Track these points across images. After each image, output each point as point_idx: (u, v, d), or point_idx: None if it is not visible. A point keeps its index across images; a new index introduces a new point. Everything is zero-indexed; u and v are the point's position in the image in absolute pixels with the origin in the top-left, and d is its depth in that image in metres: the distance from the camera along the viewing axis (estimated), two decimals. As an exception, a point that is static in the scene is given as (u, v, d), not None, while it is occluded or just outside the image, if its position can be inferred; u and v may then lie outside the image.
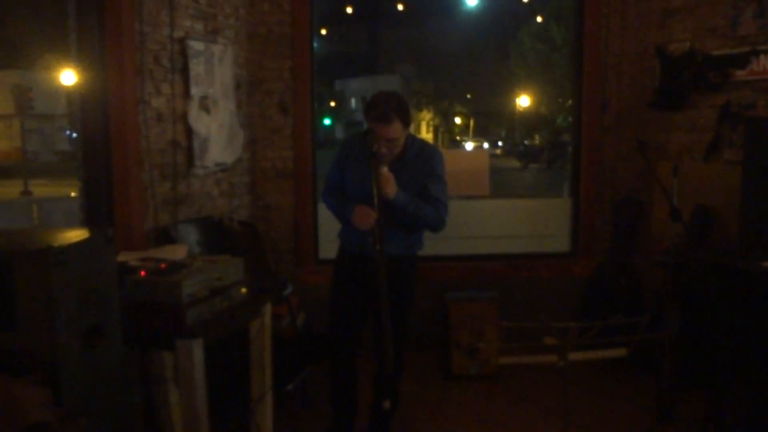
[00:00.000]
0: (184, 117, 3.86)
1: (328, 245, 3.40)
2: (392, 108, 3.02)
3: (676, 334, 3.74)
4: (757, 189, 3.68)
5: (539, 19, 30.57)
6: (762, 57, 4.00)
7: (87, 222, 3.41)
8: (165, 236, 3.57)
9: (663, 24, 4.58)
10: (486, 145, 32.97)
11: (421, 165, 3.16)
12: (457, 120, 42.31)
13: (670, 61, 4.50)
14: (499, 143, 37.44)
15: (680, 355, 3.82)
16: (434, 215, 3.12)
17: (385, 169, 2.96)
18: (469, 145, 33.91)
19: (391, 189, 2.95)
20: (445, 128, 42.82)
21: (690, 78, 4.39)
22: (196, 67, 3.92)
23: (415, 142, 3.23)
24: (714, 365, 3.48)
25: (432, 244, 4.63)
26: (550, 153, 28.02)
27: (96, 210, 3.41)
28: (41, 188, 17.61)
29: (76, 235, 1.95)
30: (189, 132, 3.89)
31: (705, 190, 4.30)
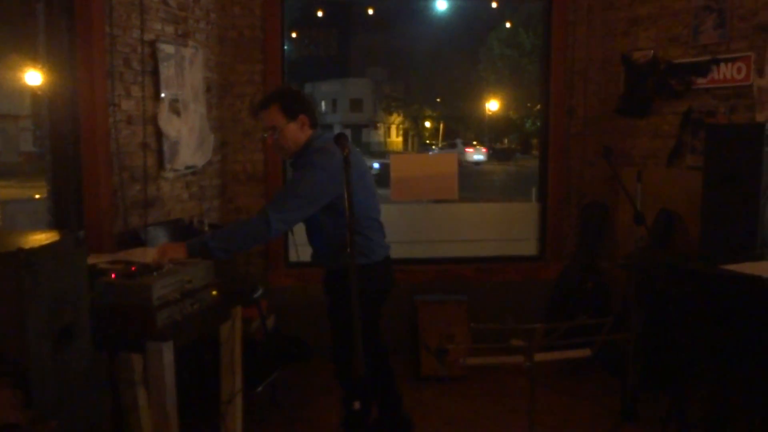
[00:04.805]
0: (154, 120, 3.85)
1: (298, 248, 3.40)
2: (271, 94, 3.06)
3: (639, 335, 3.82)
4: (717, 194, 3.78)
5: (508, 24, 30.89)
6: (722, 65, 4.12)
7: (55, 224, 3.39)
8: (134, 239, 3.56)
9: (628, 32, 4.69)
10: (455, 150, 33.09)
11: None
12: (427, 124, 42.44)
13: (634, 68, 4.60)
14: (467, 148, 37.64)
15: (644, 356, 3.90)
16: (247, 231, 2.89)
17: (161, 245, 2.93)
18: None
19: (175, 255, 2.76)
20: (415, 132, 42.92)
21: (654, 85, 4.50)
22: (167, 70, 3.91)
23: (314, 147, 3.01)
24: (676, 366, 3.57)
25: (402, 248, 4.68)
26: None
27: (65, 212, 3.39)
28: (4, 190, 17.24)
29: (47, 237, 1.95)
30: (159, 135, 3.89)
31: (668, 195, 4.41)
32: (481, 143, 36.92)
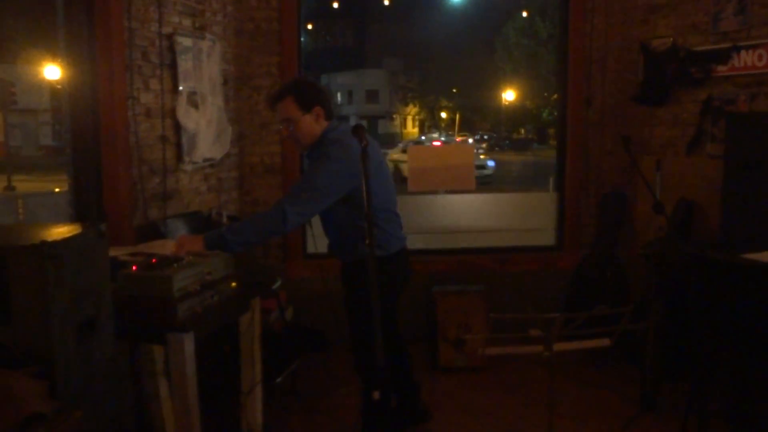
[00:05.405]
0: (172, 113, 3.87)
1: (316, 240, 3.42)
2: (286, 85, 3.03)
3: (658, 324, 3.81)
4: (737, 182, 3.74)
5: (524, 13, 30.75)
6: (743, 53, 4.06)
7: (77, 217, 3.43)
8: (154, 231, 3.59)
9: (646, 20, 4.64)
10: (470, 141, 33.07)
11: None
12: (443, 114, 42.36)
13: (653, 56, 4.56)
14: (485, 137, 37.59)
15: (663, 346, 3.88)
16: (264, 224, 2.90)
17: (179, 237, 2.95)
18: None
19: (193, 247, 2.77)
20: (431, 123, 42.86)
21: (673, 73, 4.45)
22: (185, 63, 3.93)
23: (330, 138, 3.00)
24: (696, 356, 3.54)
25: (420, 239, 4.68)
26: None
27: (86, 205, 3.43)
28: (24, 183, 17.46)
29: (69, 230, 1.97)
30: (177, 127, 3.91)
31: (687, 184, 4.37)
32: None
